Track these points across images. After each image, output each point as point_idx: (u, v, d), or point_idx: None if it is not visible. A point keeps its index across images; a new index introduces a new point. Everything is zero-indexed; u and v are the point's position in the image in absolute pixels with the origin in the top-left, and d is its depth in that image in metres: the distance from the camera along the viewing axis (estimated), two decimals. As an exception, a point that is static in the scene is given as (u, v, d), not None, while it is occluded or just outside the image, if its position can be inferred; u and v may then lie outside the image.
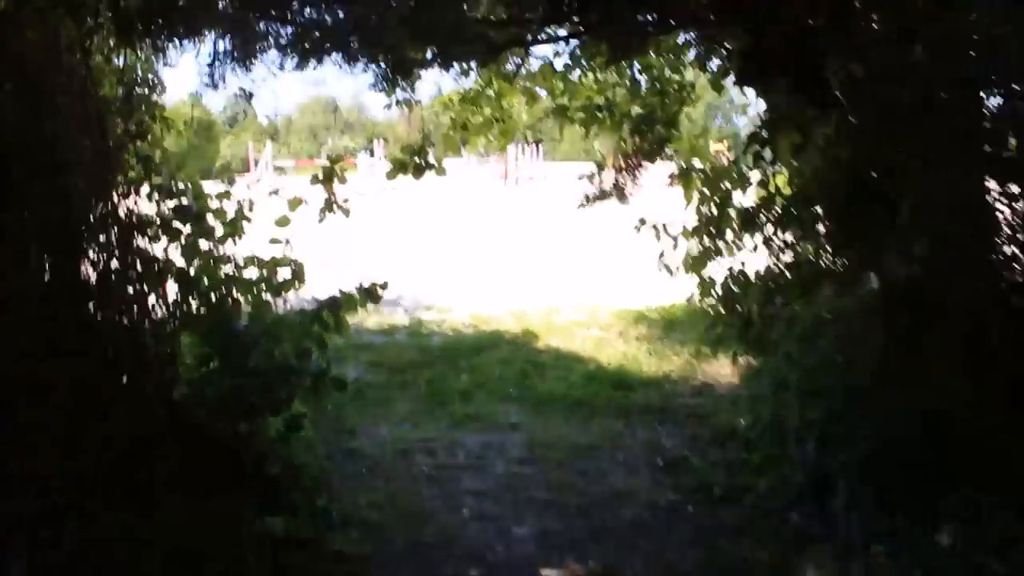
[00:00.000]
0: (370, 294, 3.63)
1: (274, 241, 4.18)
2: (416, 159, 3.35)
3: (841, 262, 3.34)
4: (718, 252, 4.75)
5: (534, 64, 4.78)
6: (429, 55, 3.34)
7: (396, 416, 5.46)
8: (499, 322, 8.14)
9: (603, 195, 4.07)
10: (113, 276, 3.76)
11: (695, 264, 4.82)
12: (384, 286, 3.66)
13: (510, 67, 5.06)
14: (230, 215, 4.12)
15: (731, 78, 4.61)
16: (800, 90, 3.30)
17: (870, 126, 2.91)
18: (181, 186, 4.04)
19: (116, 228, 3.73)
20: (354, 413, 5.43)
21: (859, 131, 2.99)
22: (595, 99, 4.55)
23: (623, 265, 11.85)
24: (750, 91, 4.74)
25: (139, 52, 4.06)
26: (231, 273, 4.08)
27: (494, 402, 5.73)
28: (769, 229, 4.51)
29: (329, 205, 3.70)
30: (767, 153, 4.40)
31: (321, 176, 3.67)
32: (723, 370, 6.50)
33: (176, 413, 3.76)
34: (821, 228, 4.17)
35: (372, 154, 38.24)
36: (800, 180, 4.06)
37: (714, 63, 4.75)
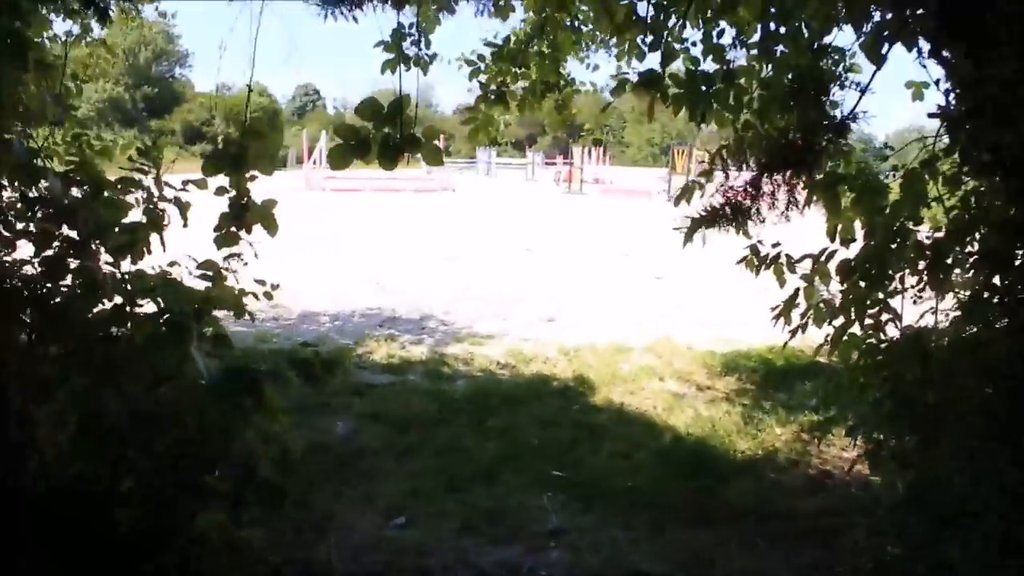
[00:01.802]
0: (306, 371, 2.31)
1: (204, 266, 2.93)
2: (386, 132, 1.98)
3: None
4: (874, 304, 3.32)
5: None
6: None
7: (388, 502, 4.12)
8: (545, 362, 6.73)
9: (713, 220, 2.70)
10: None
11: (839, 315, 3.40)
12: (329, 367, 2.34)
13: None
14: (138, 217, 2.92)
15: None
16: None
17: None
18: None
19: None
20: (331, 494, 4.14)
21: None
22: (703, 64, 3.12)
23: (704, 294, 10.45)
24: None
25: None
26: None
27: (528, 489, 4.34)
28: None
29: (237, 213, 2.37)
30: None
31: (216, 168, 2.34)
32: (846, 452, 5.04)
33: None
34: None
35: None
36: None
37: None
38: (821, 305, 3.55)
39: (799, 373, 6.21)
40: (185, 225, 2.82)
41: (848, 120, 2.34)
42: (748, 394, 6.05)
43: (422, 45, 3.39)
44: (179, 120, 53.93)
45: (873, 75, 2.49)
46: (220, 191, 2.53)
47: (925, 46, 3.12)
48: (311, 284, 10.30)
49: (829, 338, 3.57)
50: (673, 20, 3.04)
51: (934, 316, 3.26)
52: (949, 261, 3.06)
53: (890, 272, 3.19)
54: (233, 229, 2.53)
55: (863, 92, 2.39)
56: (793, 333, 3.64)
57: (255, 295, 3.64)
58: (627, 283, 11.42)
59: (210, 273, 2.71)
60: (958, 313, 3.19)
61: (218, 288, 2.97)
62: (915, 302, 3.18)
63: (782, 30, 3.01)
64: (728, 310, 9.42)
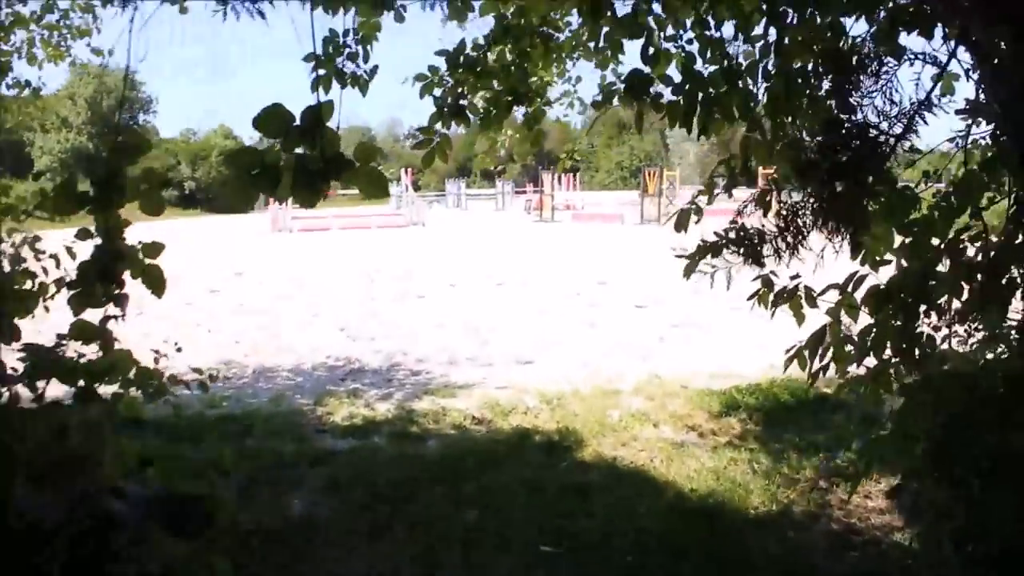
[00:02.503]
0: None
1: (79, 333, 2.34)
2: (301, 154, 1.42)
3: None
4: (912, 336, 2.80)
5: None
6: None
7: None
8: (525, 413, 6.12)
9: (715, 250, 2.18)
10: None
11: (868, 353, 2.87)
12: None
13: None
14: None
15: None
16: None
17: None
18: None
19: None
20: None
21: None
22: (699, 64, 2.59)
23: (689, 320, 9.96)
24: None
25: None
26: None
27: (514, 563, 3.76)
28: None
29: (104, 263, 1.80)
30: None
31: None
32: (871, 501, 4.50)
33: None
34: None
35: (398, 183, 38.03)
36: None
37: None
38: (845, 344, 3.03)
39: (807, 409, 5.70)
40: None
41: (923, 108, 1.81)
42: (753, 436, 5.49)
43: (360, 60, 2.84)
44: (142, 168, 52.94)
45: (953, 50, 1.97)
46: (83, 234, 1.94)
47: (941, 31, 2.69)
48: (271, 335, 9.68)
49: (846, 377, 3.07)
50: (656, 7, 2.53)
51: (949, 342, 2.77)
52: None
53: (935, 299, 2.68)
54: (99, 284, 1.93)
55: (943, 69, 1.87)
56: (814, 378, 3.11)
57: (185, 383, 3.09)
58: (606, 314, 10.91)
59: (81, 345, 2.12)
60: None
61: (109, 358, 2.39)
62: (968, 334, 2.67)
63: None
64: (717, 336, 8.96)
